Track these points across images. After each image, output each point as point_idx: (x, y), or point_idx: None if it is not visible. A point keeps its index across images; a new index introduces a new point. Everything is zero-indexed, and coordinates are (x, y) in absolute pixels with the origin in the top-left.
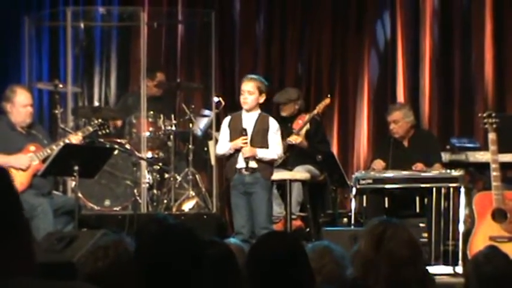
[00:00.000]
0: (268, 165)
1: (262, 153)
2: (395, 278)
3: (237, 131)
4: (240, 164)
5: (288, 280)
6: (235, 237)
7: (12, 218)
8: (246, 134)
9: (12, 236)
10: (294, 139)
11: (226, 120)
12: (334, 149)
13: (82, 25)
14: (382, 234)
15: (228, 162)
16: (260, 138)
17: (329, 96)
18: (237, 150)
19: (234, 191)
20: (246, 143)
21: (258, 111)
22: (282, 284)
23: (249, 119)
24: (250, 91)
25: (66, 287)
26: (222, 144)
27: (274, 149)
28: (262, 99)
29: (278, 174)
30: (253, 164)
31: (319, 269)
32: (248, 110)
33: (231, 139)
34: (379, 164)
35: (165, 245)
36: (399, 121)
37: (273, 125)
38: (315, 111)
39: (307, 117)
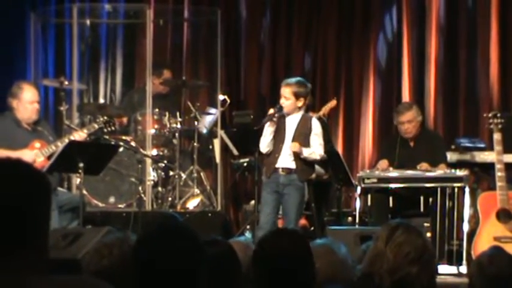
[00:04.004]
0: (307, 167)
1: (307, 152)
2: (398, 272)
3: (280, 133)
4: (279, 163)
5: (293, 277)
6: (259, 231)
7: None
8: (279, 106)
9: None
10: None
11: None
12: (339, 148)
13: (88, 22)
14: (395, 229)
15: (266, 161)
16: (302, 140)
17: (335, 98)
18: (277, 150)
19: (266, 188)
20: (274, 112)
21: (301, 112)
22: (287, 281)
23: (291, 121)
24: (286, 97)
25: (74, 282)
26: (263, 137)
27: (316, 150)
28: (300, 103)
29: None
30: (291, 165)
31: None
32: (288, 114)
33: (274, 141)
34: (384, 163)
35: (162, 242)
36: (412, 121)
37: (316, 126)
38: (321, 113)
39: None
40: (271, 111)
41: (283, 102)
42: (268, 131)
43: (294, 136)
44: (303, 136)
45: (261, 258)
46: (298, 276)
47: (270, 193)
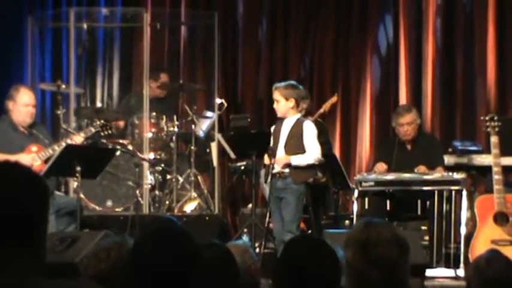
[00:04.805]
0: (301, 170)
1: (296, 161)
2: (389, 281)
3: (276, 138)
4: (275, 168)
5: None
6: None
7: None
8: (271, 151)
9: (30, 240)
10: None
11: (272, 128)
12: (337, 151)
13: (85, 26)
14: (367, 240)
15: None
16: (295, 143)
17: (336, 94)
18: (273, 155)
19: (270, 196)
20: (270, 160)
21: (297, 116)
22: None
23: (286, 125)
24: (276, 100)
25: (72, 285)
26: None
27: (311, 153)
28: (291, 104)
29: None
30: (284, 169)
31: None
32: (283, 117)
33: (273, 145)
34: (381, 166)
35: (160, 246)
36: (412, 123)
37: (308, 128)
38: (321, 110)
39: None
40: (267, 160)
41: (275, 106)
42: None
43: (286, 140)
44: (294, 140)
45: (284, 267)
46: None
47: (273, 200)
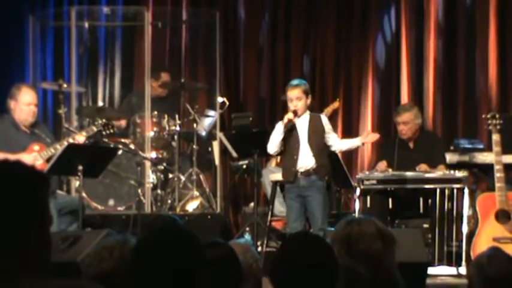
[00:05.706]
0: (324, 166)
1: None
2: (376, 274)
3: (291, 135)
4: (299, 165)
5: (316, 283)
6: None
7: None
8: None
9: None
10: None
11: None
12: None
13: (86, 25)
14: (349, 236)
15: (284, 164)
16: (318, 138)
17: (338, 99)
18: (295, 152)
19: (288, 194)
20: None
21: (308, 111)
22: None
23: (301, 121)
24: (298, 97)
25: (73, 286)
26: (273, 138)
27: (341, 143)
28: (309, 101)
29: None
30: (311, 163)
31: None
32: (300, 116)
33: (286, 144)
34: (383, 165)
35: (162, 245)
36: (409, 122)
37: (327, 123)
38: (323, 114)
39: None
40: (291, 115)
41: (296, 104)
42: (280, 130)
43: (308, 135)
44: (317, 135)
45: (283, 264)
46: (320, 281)
47: (294, 199)
